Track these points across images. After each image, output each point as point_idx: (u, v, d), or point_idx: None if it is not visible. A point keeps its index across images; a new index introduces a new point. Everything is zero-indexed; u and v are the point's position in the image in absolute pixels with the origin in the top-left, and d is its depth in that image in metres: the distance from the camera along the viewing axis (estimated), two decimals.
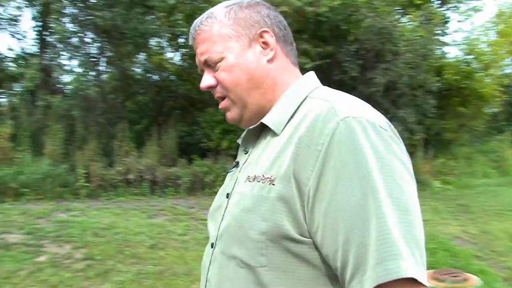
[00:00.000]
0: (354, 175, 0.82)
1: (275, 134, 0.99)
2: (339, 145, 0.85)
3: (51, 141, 8.24)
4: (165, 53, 11.91)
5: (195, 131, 10.10)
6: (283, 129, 0.98)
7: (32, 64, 9.34)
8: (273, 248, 0.88)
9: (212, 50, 1.05)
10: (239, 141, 1.12)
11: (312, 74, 1.12)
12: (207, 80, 1.08)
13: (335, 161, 0.84)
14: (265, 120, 1.02)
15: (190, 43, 1.11)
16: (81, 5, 10.37)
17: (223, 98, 1.08)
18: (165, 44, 11.50)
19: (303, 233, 0.87)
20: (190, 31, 1.09)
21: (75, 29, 10.25)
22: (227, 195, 1.04)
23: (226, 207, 1.02)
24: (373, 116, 0.91)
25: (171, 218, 6.72)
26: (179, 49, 11.38)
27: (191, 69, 10.64)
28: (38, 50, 10.58)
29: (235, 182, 1.04)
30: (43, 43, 10.62)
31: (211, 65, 1.06)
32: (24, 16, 10.34)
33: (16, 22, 10.41)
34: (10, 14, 10.21)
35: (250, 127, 1.06)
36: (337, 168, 0.84)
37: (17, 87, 10.60)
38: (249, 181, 0.96)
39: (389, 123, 0.95)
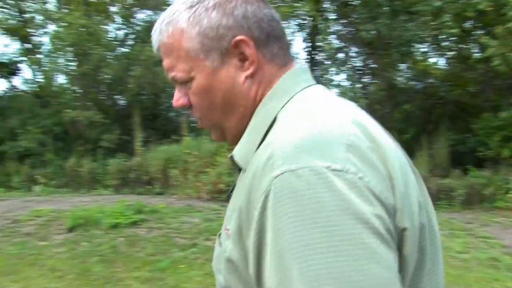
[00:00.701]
0: (286, 255, 0.63)
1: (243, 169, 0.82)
2: (272, 214, 0.65)
3: None
4: (429, 58, 11.40)
5: (467, 139, 9.30)
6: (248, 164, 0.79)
7: None
8: None
9: (179, 68, 0.86)
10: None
11: (290, 74, 0.87)
12: (179, 99, 0.90)
13: (269, 236, 0.66)
14: (234, 153, 0.85)
15: (154, 51, 0.91)
16: (345, 21, 10.81)
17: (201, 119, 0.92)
18: (429, 49, 11.00)
19: None
20: (152, 36, 0.90)
21: (340, 45, 10.75)
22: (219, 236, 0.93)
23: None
24: (324, 158, 0.66)
25: (447, 233, 6.26)
26: (445, 53, 10.71)
27: (461, 72, 9.86)
28: None
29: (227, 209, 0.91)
30: (312, 61, 11.47)
31: (180, 83, 0.89)
32: (295, 39, 11.37)
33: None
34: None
35: (230, 155, 0.87)
36: (271, 246, 0.65)
37: None
38: (224, 229, 0.83)
39: (368, 135, 0.71)
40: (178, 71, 0.86)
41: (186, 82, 0.87)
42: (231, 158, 0.85)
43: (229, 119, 0.88)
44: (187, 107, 0.90)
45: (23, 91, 13.50)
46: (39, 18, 12.62)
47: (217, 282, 0.84)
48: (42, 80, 12.89)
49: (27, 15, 12.52)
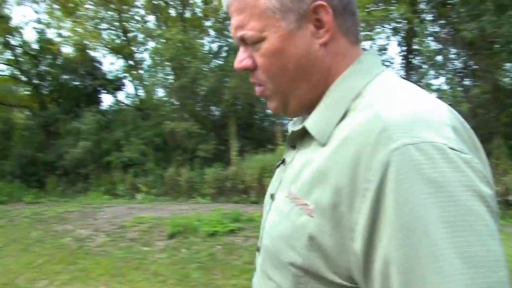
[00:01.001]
0: (415, 228, 0.61)
1: (319, 142, 0.78)
2: (394, 186, 0.63)
3: None
4: None
5: None
6: (328, 138, 0.77)
7: None
8: (312, 284, 0.74)
9: (250, 26, 0.81)
10: (291, 127, 0.92)
11: (369, 55, 0.85)
12: (243, 60, 0.85)
13: (391, 208, 0.63)
14: (308, 125, 0.81)
15: (224, 9, 0.85)
16: (443, 22, 10.25)
17: (262, 85, 0.87)
18: None
19: (344, 278, 0.71)
20: None
21: (438, 47, 10.20)
22: (271, 196, 0.91)
23: (268, 212, 0.90)
24: (440, 135, 0.66)
25: None
26: None
27: None
28: (404, 74, 11.01)
29: (279, 184, 0.88)
30: (408, 65, 11.00)
31: (248, 43, 0.83)
32: (390, 44, 11.04)
33: (385, 51, 11.18)
34: (379, 45, 11.05)
35: (295, 129, 0.85)
36: (392, 218, 0.63)
37: None
38: (289, 199, 0.80)
39: (462, 123, 0.72)
40: (249, 30, 0.81)
41: (255, 43, 0.82)
42: (300, 130, 0.83)
43: (300, 86, 0.84)
44: (250, 69, 0.86)
45: (126, 105, 14.47)
46: (140, 36, 13.48)
47: (280, 258, 0.79)
48: (143, 94, 13.71)
49: (130, 34, 13.42)
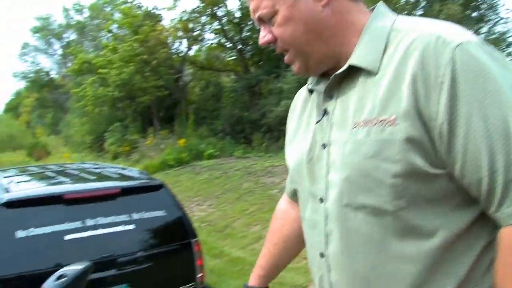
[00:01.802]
0: (488, 99, 0.79)
1: (369, 74, 0.92)
2: (463, 72, 0.81)
3: None
4: None
5: None
6: (378, 67, 0.91)
7: None
8: (410, 188, 0.83)
9: (263, 6, 0.97)
10: (314, 86, 1.06)
11: (383, 5, 1.01)
12: (264, 36, 1.02)
13: (463, 89, 0.81)
14: (355, 62, 0.94)
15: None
16: None
17: (286, 51, 1.01)
18: None
19: (437, 166, 0.83)
20: None
21: None
22: (324, 146, 0.96)
23: (328, 158, 0.94)
24: (474, 37, 0.87)
25: None
26: None
27: None
28: None
29: (330, 130, 0.96)
30: None
31: (265, 21, 1.00)
32: None
33: None
34: None
35: (338, 72, 0.96)
36: (467, 96, 0.80)
37: None
38: (360, 126, 0.89)
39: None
40: (263, 8, 0.97)
41: (270, 18, 0.98)
42: (344, 70, 0.95)
43: (314, 46, 0.97)
44: (273, 42, 1.01)
45: None
46: None
47: (373, 176, 0.85)
48: None
49: None
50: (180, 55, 16.90)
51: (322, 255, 0.95)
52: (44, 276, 3.01)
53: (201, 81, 17.49)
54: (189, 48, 16.97)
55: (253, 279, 1.34)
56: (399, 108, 0.84)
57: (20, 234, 2.88)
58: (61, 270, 1.63)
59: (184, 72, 17.45)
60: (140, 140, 15.86)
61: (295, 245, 1.29)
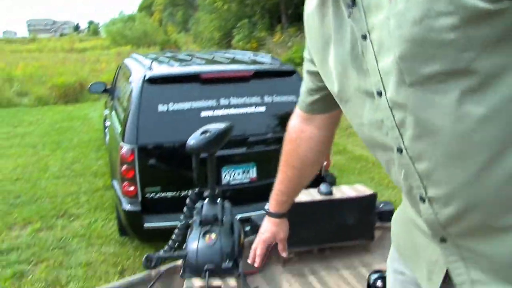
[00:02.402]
0: None
1: None
2: None
3: None
4: None
5: None
6: None
7: None
8: (475, 36, 0.70)
9: None
10: None
11: None
12: None
13: None
14: None
15: None
16: None
17: None
18: None
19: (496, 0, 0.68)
20: None
21: None
22: (364, 37, 0.83)
23: (373, 46, 0.81)
24: None
25: None
26: None
27: None
28: None
29: (366, 18, 0.82)
30: None
31: None
32: None
33: None
34: None
35: None
36: None
37: None
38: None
39: None
40: None
41: None
42: None
43: None
44: None
45: None
46: None
47: (431, 37, 0.72)
48: None
49: None
50: None
51: (400, 150, 0.83)
52: (182, 147, 3.26)
53: None
54: None
55: (275, 205, 1.32)
56: None
57: (161, 108, 3.09)
58: (205, 126, 1.77)
59: None
60: (267, 37, 15.85)
61: (313, 165, 1.24)
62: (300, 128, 1.20)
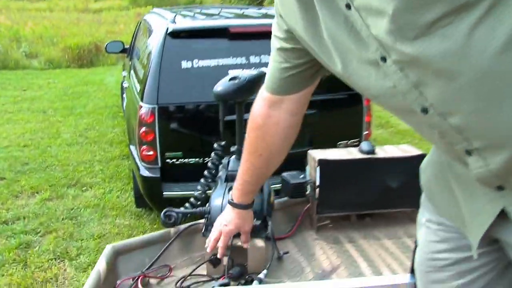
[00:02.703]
0: None
1: None
2: None
3: None
4: None
5: None
6: None
7: None
8: None
9: None
10: None
11: None
12: None
13: None
14: None
15: None
16: None
17: None
18: None
19: None
20: None
21: None
22: (348, 6, 0.78)
23: (358, 9, 0.76)
24: None
25: None
26: None
27: None
28: None
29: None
30: None
31: None
32: None
33: None
34: None
35: None
36: None
37: None
38: None
39: None
40: None
41: None
42: None
43: None
44: None
45: None
46: None
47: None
48: None
49: None
50: None
51: (424, 110, 0.76)
52: (206, 108, 2.86)
53: None
54: None
55: (240, 196, 1.29)
56: None
57: (185, 65, 2.76)
58: (234, 72, 1.62)
59: None
60: None
61: (280, 152, 1.20)
62: (266, 113, 1.14)
